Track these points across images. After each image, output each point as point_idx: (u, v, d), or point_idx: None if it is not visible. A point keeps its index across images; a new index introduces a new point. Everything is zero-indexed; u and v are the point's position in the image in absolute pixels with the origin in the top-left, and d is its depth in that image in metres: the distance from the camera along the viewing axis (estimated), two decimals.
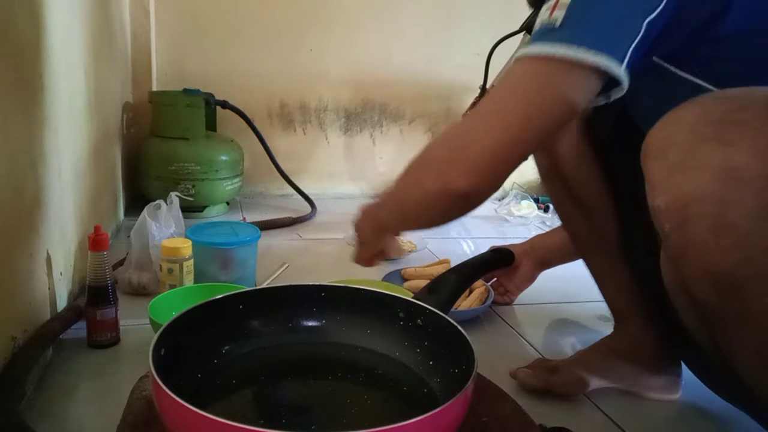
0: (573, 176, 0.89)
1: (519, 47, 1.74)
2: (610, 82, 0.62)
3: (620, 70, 0.60)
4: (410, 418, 0.49)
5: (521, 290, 1.25)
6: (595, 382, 0.89)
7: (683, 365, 0.93)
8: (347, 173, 2.16)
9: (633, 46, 0.59)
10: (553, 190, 0.94)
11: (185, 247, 1.06)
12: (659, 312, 0.88)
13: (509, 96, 0.65)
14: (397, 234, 0.79)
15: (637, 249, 0.88)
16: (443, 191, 0.66)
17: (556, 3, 0.62)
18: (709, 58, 0.65)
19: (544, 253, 1.23)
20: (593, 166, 0.88)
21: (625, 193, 0.87)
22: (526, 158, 0.67)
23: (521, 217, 1.97)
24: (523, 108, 0.63)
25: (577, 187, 0.89)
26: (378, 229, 0.76)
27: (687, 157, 0.55)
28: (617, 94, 0.65)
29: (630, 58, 0.60)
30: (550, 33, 0.61)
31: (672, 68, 0.67)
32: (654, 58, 0.66)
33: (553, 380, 0.88)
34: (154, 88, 1.90)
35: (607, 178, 0.88)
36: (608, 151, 0.87)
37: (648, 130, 0.62)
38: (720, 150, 0.53)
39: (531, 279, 1.25)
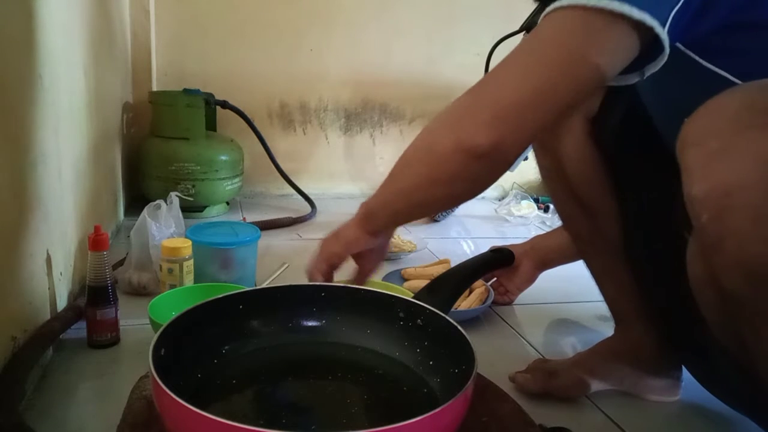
0: (576, 177, 0.88)
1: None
2: (645, 52, 0.59)
3: (664, 33, 0.56)
4: (410, 418, 0.49)
5: (521, 290, 1.25)
6: (596, 385, 0.89)
7: (683, 367, 0.93)
8: (347, 173, 2.16)
9: (675, 9, 0.56)
10: (555, 191, 0.93)
11: (185, 247, 1.06)
12: (660, 314, 0.88)
13: (542, 47, 0.60)
14: (378, 225, 0.75)
15: (640, 250, 0.87)
16: (458, 148, 0.60)
17: None
18: (736, 49, 0.62)
19: (545, 254, 1.23)
20: (597, 166, 0.87)
21: (630, 194, 0.86)
22: (553, 119, 0.62)
23: (521, 217, 1.97)
24: (557, 60, 0.59)
25: (580, 188, 0.88)
26: (358, 224, 0.73)
27: (729, 145, 0.52)
28: (652, 69, 0.61)
29: (671, 24, 0.56)
30: None
31: (697, 58, 0.63)
32: (678, 46, 0.63)
33: (553, 384, 0.88)
34: (154, 88, 1.90)
35: (611, 179, 0.87)
36: (613, 151, 0.86)
37: (664, 122, 0.61)
38: (766, 138, 0.50)
39: (531, 279, 1.25)
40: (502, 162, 0.63)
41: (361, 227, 0.75)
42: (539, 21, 0.62)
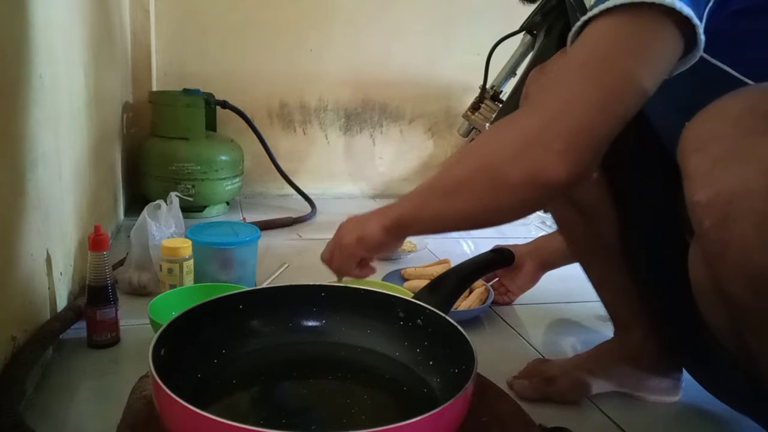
0: None
1: (518, 47, 1.75)
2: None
3: (701, 30, 0.55)
4: (410, 418, 0.49)
5: (523, 291, 1.25)
6: (595, 387, 0.89)
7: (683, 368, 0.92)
8: (347, 173, 2.16)
9: (709, 5, 0.55)
10: None
11: (185, 247, 1.06)
12: (661, 318, 0.87)
13: (601, 55, 0.57)
14: (406, 235, 0.73)
15: (638, 254, 0.86)
16: (531, 181, 0.57)
17: None
18: (744, 41, 0.60)
19: (548, 255, 1.23)
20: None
21: (627, 197, 0.85)
22: (619, 130, 0.58)
23: None
24: (622, 69, 0.56)
25: (577, 193, 0.86)
26: (385, 229, 0.70)
27: (732, 151, 0.51)
28: (682, 68, 0.59)
29: (705, 20, 0.55)
30: None
31: (704, 54, 0.61)
32: None
33: (551, 390, 0.87)
34: (154, 88, 1.90)
35: (607, 183, 0.85)
36: (611, 154, 0.85)
37: (664, 122, 0.60)
38: None
39: (534, 280, 1.25)
40: (578, 186, 0.60)
41: (388, 233, 0.71)
42: (579, 29, 0.59)
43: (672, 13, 0.54)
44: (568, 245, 0.97)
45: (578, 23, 0.60)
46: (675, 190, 0.71)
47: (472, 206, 0.64)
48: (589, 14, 0.58)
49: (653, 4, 0.54)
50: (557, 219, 0.95)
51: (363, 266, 0.78)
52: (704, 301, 0.62)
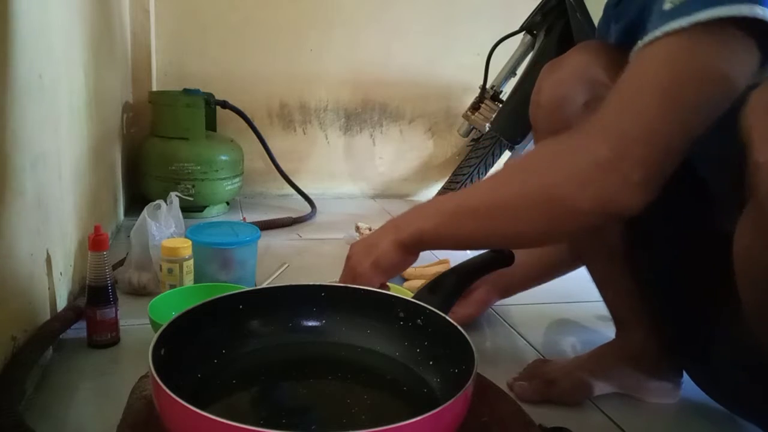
0: None
1: (518, 47, 1.75)
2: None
3: None
4: (410, 418, 0.49)
5: (470, 319, 1.10)
6: (597, 389, 0.89)
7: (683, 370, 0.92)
8: (347, 173, 2.16)
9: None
10: None
11: (185, 247, 1.06)
12: (663, 318, 0.87)
13: (685, 81, 0.54)
14: (422, 251, 0.69)
15: (642, 254, 0.85)
16: (600, 209, 0.56)
17: None
18: None
19: (506, 281, 1.12)
20: None
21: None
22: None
23: None
24: (707, 95, 0.54)
25: None
26: (401, 248, 0.66)
27: None
28: (758, 79, 0.56)
29: None
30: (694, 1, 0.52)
31: None
32: None
33: (551, 392, 0.87)
34: (154, 88, 1.90)
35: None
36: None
37: None
38: None
39: (483, 308, 1.14)
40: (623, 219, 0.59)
41: (405, 250, 0.69)
42: (644, 47, 0.57)
43: (755, 23, 0.52)
44: (569, 245, 0.96)
45: (648, 38, 0.56)
46: (683, 192, 0.70)
47: (517, 228, 0.63)
48: (663, 29, 0.55)
49: (736, 17, 0.51)
50: None
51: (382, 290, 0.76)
52: (748, 275, 0.59)
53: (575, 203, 0.57)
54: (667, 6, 0.55)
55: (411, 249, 0.69)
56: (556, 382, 0.88)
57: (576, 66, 0.79)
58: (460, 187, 1.82)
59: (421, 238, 0.68)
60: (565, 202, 0.58)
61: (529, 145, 1.69)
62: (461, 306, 1.09)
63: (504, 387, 0.78)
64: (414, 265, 1.33)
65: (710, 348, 0.79)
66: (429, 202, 0.70)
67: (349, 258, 0.74)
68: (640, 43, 0.58)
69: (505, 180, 0.64)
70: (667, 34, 0.55)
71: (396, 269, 0.71)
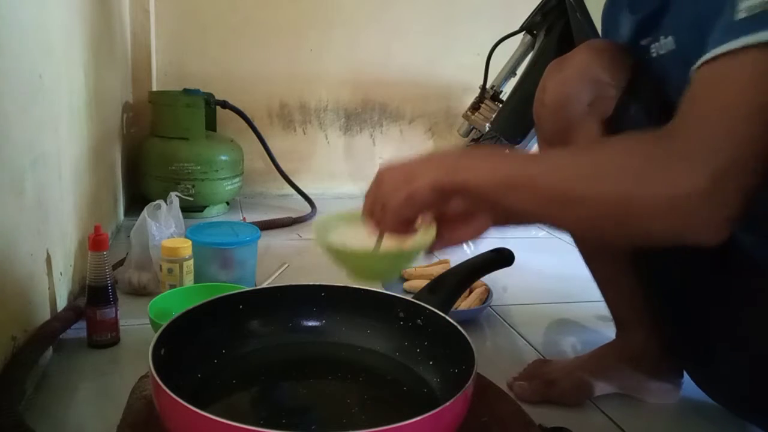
0: None
1: (518, 47, 1.75)
2: None
3: None
4: (410, 418, 0.49)
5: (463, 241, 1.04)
6: (597, 389, 0.89)
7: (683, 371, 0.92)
8: (347, 173, 2.16)
9: None
10: None
11: (185, 247, 1.06)
12: (664, 318, 0.87)
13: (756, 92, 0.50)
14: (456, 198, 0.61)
15: (650, 255, 0.83)
16: (677, 237, 0.52)
17: None
18: None
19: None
20: None
21: None
22: None
23: None
24: None
25: None
26: (434, 186, 0.58)
27: None
28: None
29: None
30: None
31: None
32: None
33: (552, 393, 0.87)
34: (154, 88, 1.90)
35: None
36: None
37: None
38: None
39: (480, 232, 1.07)
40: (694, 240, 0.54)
41: (441, 194, 0.60)
42: (718, 60, 0.53)
43: None
44: (576, 243, 0.95)
45: (719, 50, 0.53)
46: None
47: (578, 224, 0.59)
48: (743, 41, 0.51)
49: None
50: None
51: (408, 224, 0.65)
52: None
53: (652, 226, 0.54)
54: (739, 16, 0.51)
55: (449, 196, 0.61)
56: (557, 383, 0.88)
57: (581, 65, 0.79)
58: None
59: (465, 189, 0.60)
60: (641, 222, 0.54)
61: (529, 146, 1.69)
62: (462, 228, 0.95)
63: (504, 387, 0.78)
64: (414, 265, 1.35)
65: (712, 349, 0.79)
66: (485, 152, 0.62)
67: (380, 182, 0.65)
68: (708, 56, 0.54)
69: (582, 169, 0.57)
70: (749, 47, 0.51)
71: (427, 209, 0.63)
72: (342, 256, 0.70)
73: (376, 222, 0.65)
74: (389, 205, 0.63)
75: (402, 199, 0.62)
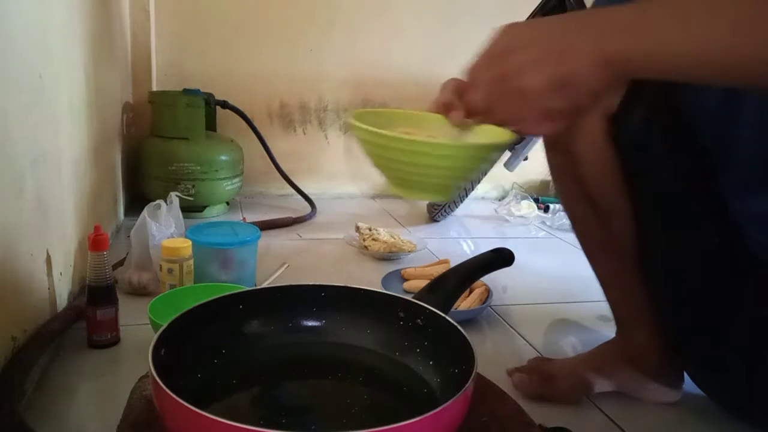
0: (590, 177, 0.83)
1: None
2: None
3: None
4: (410, 418, 0.49)
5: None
6: (596, 387, 0.89)
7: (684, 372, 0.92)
8: (347, 173, 2.16)
9: None
10: (566, 191, 0.90)
11: (185, 247, 1.06)
12: (667, 319, 0.87)
13: None
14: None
15: (653, 254, 0.84)
16: None
17: None
18: None
19: None
20: (613, 167, 0.80)
21: (649, 195, 0.81)
22: None
23: (521, 217, 1.97)
24: None
25: (594, 189, 0.84)
26: (600, 62, 0.44)
27: None
28: None
29: None
30: None
31: None
32: None
33: (550, 389, 0.87)
34: (154, 88, 1.90)
35: (626, 180, 0.81)
36: (632, 152, 0.79)
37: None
38: None
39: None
40: None
41: (611, 73, 0.45)
42: None
43: None
44: (579, 240, 0.94)
45: None
46: (702, 194, 0.69)
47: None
48: None
49: None
50: (571, 214, 0.93)
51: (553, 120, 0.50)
52: None
53: None
54: None
55: (617, 73, 0.46)
56: (556, 379, 0.88)
57: None
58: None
59: (648, 65, 0.45)
60: None
61: (529, 145, 1.69)
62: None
63: (504, 387, 0.78)
64: (414, 265, 1.35)
65: (720, 353, 0.79)
66: (628, 10, 0.46)
67: (506, 50, 0.48)
68: None
69: None
70: None
71: (593, 101, 0.47)
72: (398, 149, 0.50)
73: (484, 109, 0.49)
74: (523, 90, 0.47)
75: (545, 82, 0.46)
